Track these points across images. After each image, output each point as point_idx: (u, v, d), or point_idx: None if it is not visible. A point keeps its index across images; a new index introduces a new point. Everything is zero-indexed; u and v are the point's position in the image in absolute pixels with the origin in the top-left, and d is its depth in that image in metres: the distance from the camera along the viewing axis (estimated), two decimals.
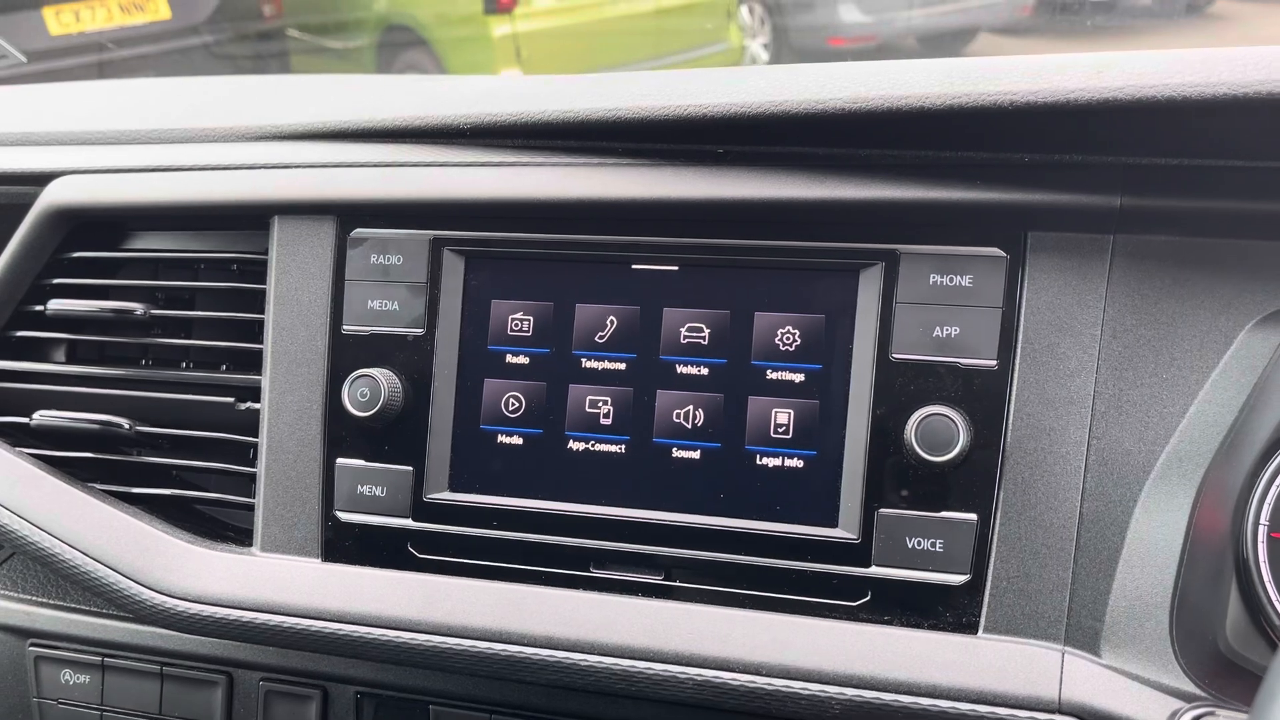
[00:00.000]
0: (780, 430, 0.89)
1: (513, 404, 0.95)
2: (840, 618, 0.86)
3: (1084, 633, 0.82)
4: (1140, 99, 0.76)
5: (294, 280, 1.00)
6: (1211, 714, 0.70)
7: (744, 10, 6.08)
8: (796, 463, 0.89)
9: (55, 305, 1.09)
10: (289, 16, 6.07)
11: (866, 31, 5.90)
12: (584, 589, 0.91)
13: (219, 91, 1.34)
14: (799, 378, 0.89)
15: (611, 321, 0.93)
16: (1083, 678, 0.80)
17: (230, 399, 1.05)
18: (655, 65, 5.51)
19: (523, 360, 0.95)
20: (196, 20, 5.56)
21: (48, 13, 4.96)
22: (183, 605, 0.97)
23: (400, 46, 6.05)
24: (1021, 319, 0.84)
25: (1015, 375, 0.84)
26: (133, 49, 5.32)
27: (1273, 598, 0.80)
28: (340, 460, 0.98)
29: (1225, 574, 0.82)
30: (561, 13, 5.99)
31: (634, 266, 0.93)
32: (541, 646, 0.89)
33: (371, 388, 0.94)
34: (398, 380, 0.95)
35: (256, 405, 1.02)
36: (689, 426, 0.91)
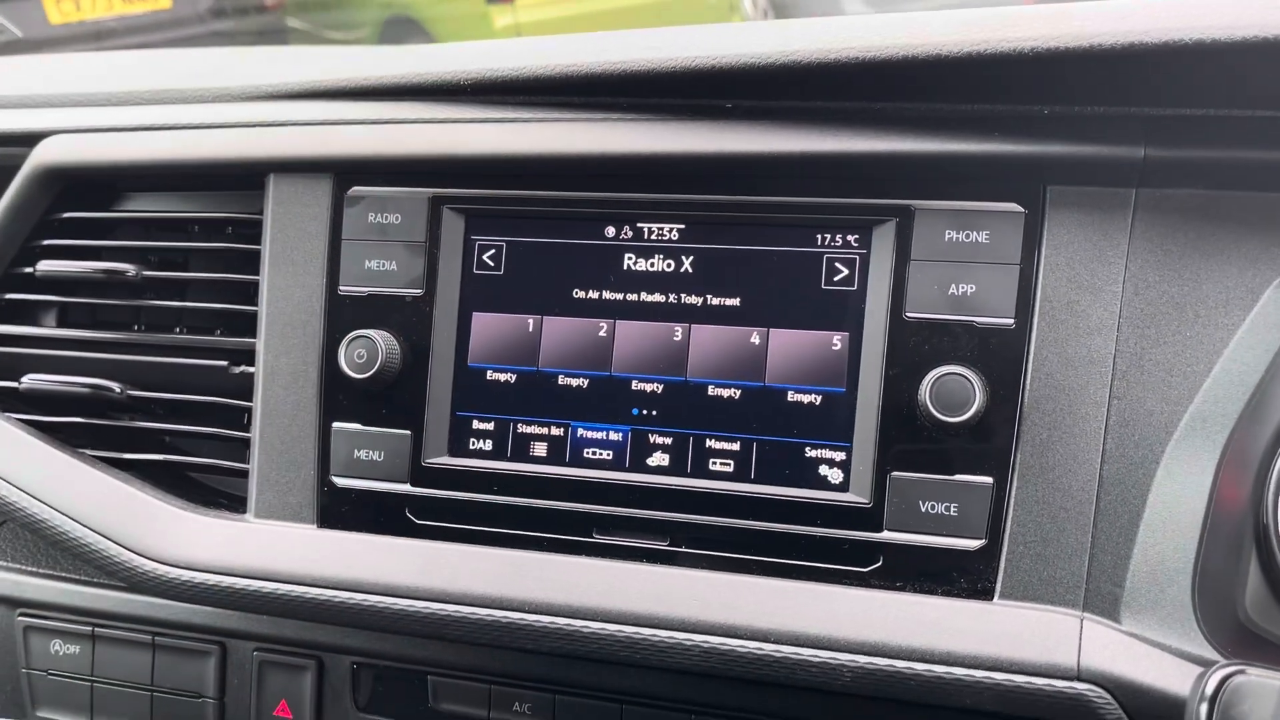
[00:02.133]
0: (790, 392, 0.86)
1: (515, 367, 0.92)
2: (852, 584, 0.84)
3: (1103, 599, 0.79)
4: (1167, 43, 0.73)
5: (289, 240, 0.98)
6: (1242, 672, 0.67)
7: (747, 2, 6.06)
8: (806, 424, 0.86)
9: (45, 266, 1.07)
10: (290, 4, 6.06)
11: None
12: (587, 555, 0.89)
13: (210, 59, 1.31)
14: (810, 338, 0.86)
15: (613, 281, 0.91)
16: (1102, 644, 0.77)
17: (224, 363, 1.03)
18: None
19: (526, 322, 0.92)
20: (196, 9, 5.55)
21: (48, 1, 4.94)
22: (175, 573, 0.95)
23: (401, 36, 6.04)
24: (1040, 276, 0.82)
25: (1033, 334, 0.82)
26: (133, 37, 5.31)
27: None
28: (336, 424, 0.95)
29: (1245, 542, 0.80)
30: (563, 2, 5.97)
31: (640, 224, 0.91)
32: (543, 614, 0.87)
33: (369, 349, 0.92)
34: (396, 342, 0.93)
35: (251, 369, 0.99)
36: (701, 384, 0.88)
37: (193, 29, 5.54)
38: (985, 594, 0.81)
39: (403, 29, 6.07)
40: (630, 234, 0.91)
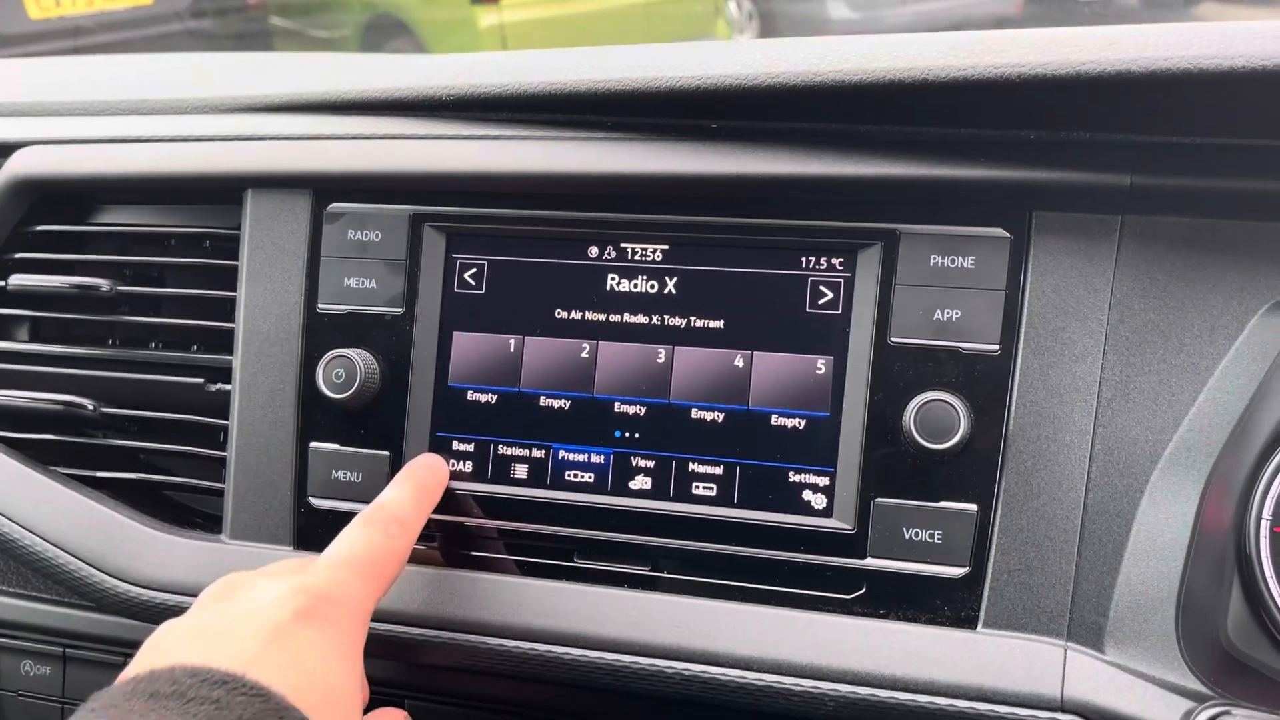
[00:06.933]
0: (774, 416, 0.86)
1: (496, 387, 0.91)
2: (834, 611, 0.83)
3: (1087, 628, 0.79)
4: (1155, 71, 0.72)
5: (267, 256, 0.96)
6: (1227, 713, 0.67)
7: (731, 4, 6.07)
8: (790, 449, 0.85)
9: (17, 280, 1.05)
10: (273, 3, 6.02)
11: (854, 27, 5.90)
12: (568, 579, 0.88)
13: (191, 66, 1.29)
14: (794, 362, 0.86)
15: (596, 302, 0.90)
16: (1086, 674, 0.77)
17: (200, 380, 1.01)
18: None
19: (508, 342, 0.91)
20: (178, 5, 5.51)
21: None
22: (147, 594, 0.94)
23: (386, 35, 6.01)
24: (1025, 302, 0.81)
25: (1018, 360, 0.81)
26: (114, 34, 5.27)
27: (1274, 593, 0.78)
28: (314, 444, 0.94)
29: (1228, 568, 0.79)
30: (548, 3, 5.96)
31: (623, 245, 0.90)
32: (522, 639, 0.86)
33: (347, 369, 0.90)
34: (375, 361, 0.92)
35: (227, 387, 0.98)
36: (684, 407, 0.87)
37: (173, 26, 5.51)
38: (969, 622, 0.81)
39: (387, 28, 6.04)
40: (614, 254, 0.90)
